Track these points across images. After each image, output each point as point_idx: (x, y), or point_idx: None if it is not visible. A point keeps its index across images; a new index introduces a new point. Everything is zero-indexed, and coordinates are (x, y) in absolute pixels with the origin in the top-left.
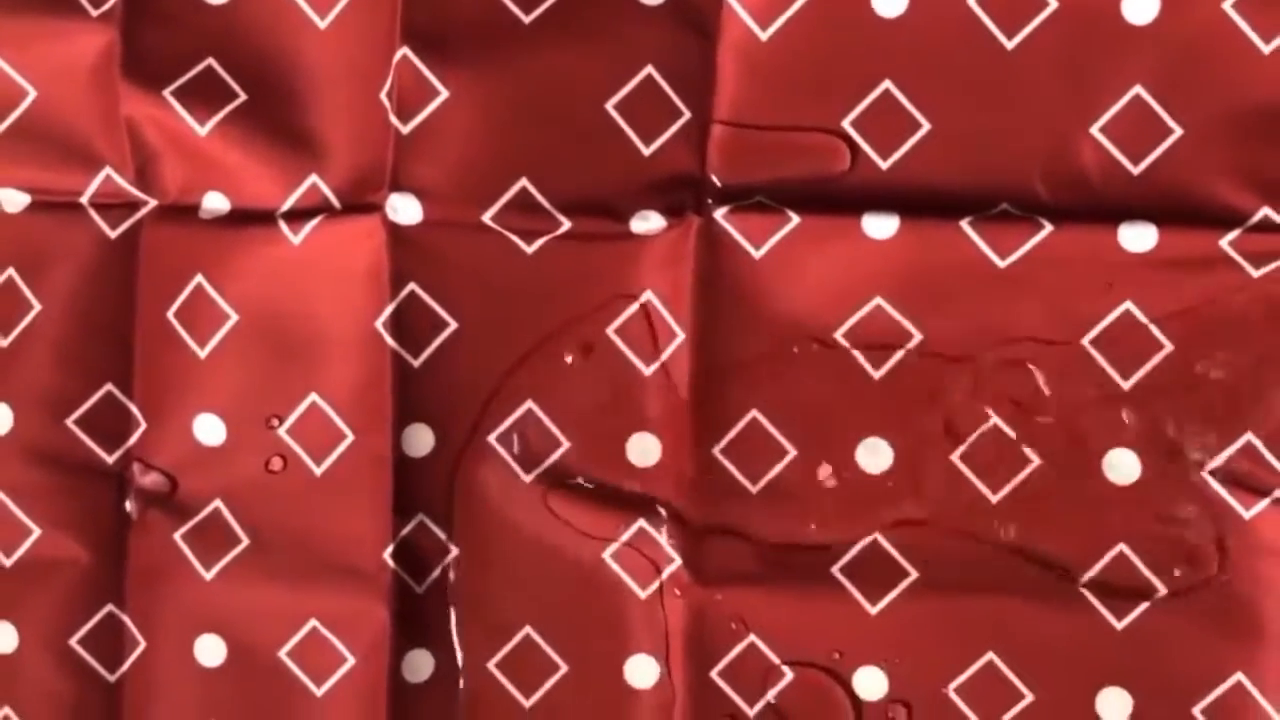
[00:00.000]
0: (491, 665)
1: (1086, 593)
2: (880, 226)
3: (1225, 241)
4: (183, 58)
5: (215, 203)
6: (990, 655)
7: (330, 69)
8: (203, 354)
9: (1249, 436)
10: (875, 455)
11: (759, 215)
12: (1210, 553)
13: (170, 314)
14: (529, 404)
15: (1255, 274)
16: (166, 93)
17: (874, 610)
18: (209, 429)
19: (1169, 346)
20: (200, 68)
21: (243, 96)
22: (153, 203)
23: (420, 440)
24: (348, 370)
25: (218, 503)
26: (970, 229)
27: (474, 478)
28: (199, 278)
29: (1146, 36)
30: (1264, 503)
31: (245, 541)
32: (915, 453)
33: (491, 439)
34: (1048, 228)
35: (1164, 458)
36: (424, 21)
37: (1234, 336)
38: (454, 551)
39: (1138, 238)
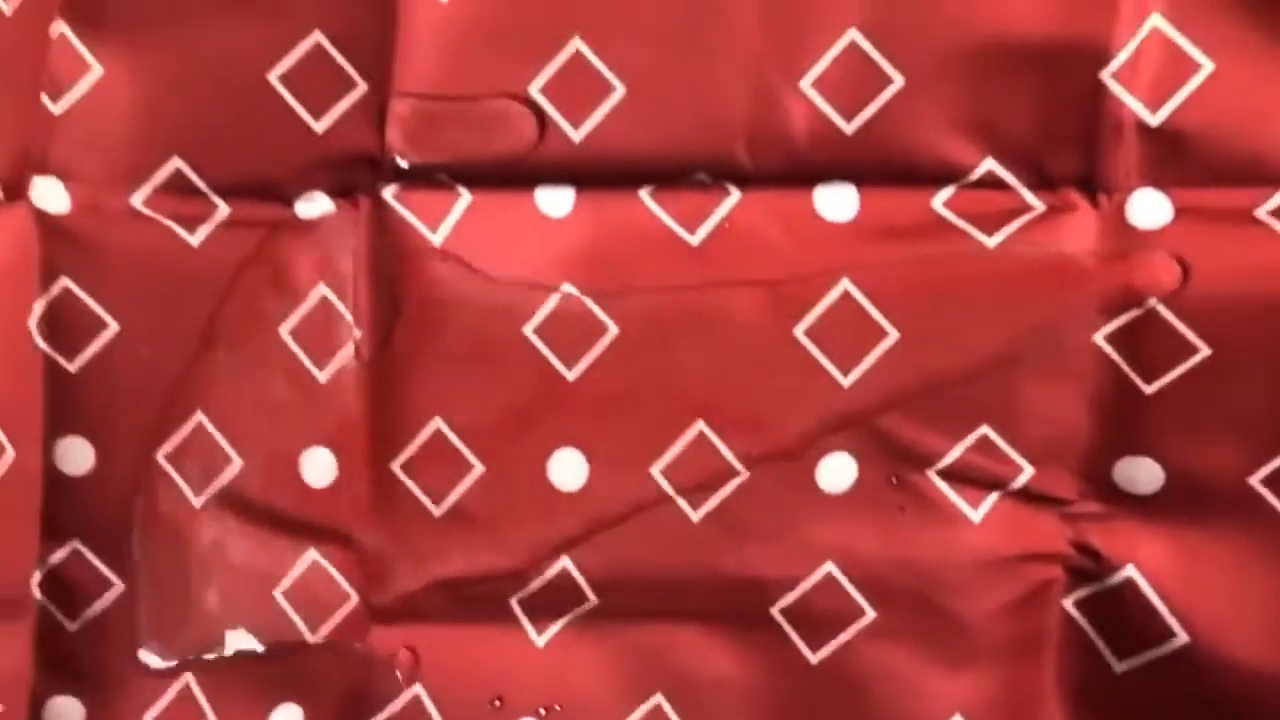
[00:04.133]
0: None
1: (781, 620)
2: (555, 201)
3: (939, 202)
4: None
5: None
6: (658, 698)
7: (7, 56)
8: None
9: (984, 429)
10: (572, 469)
11: (429, 193)
12: (932, 568)
13: None
14: (199, 417)
15: (990, 243)
16: None
17: (541, 642)
18: None
19: (894, 334)
20: None
21: None
22: None
23: (77, 455)
24: (3, 378)
25: None
26: (650, 200)
27: (143, 502)
28: None
29: None
30: (993, 497)
31: None
32: (612, 465)
33: (160, 457)
34: (735, 195)
35: (885, 459)
36: None
37: (972, 318)
38: (116, 586)
39: (837, 203)
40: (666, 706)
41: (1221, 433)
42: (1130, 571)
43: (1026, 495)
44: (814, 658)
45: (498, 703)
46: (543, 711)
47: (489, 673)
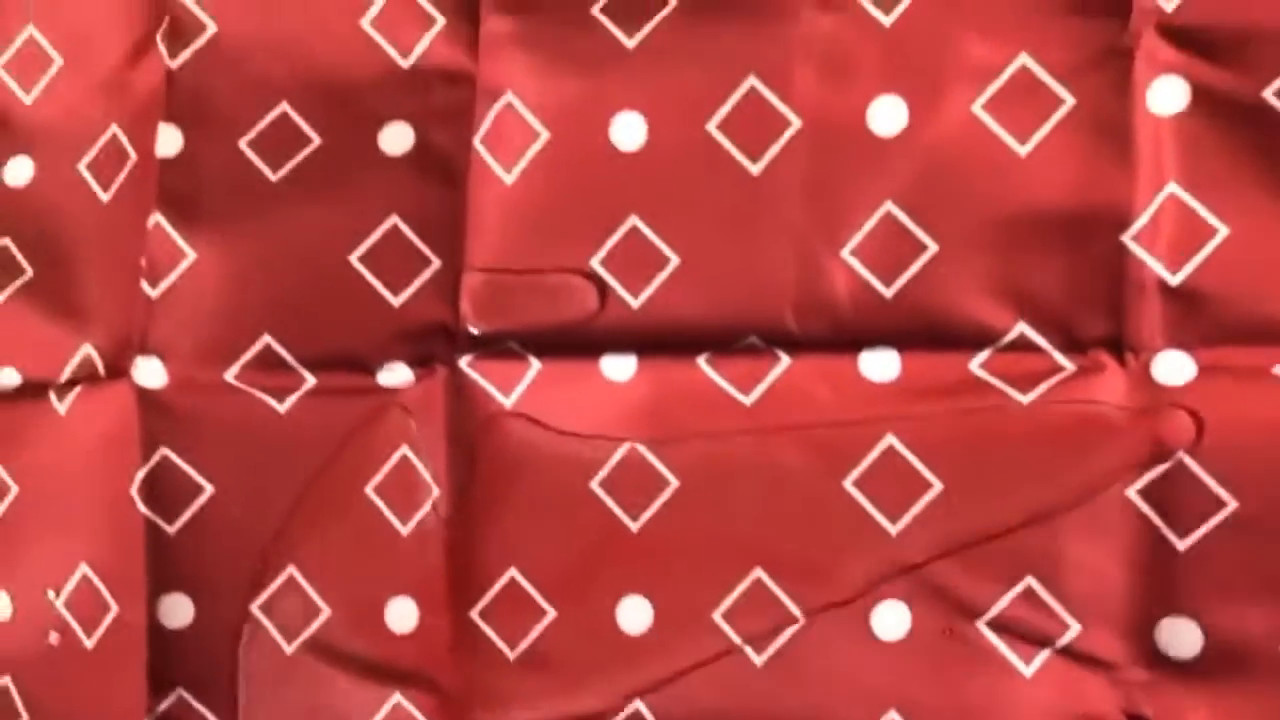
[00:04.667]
0: None
1: None
2: (618, 368)
3: (976, 364)
4: None
5: (7, 378)
6: None
7: (107, 241)
8: None
9: (1029, 580)
10: (636, 614)
11: (502, 362)
12: (987, 718)
13: None
14: (290, 570)
15: (1025, 399)
16: None
17: None
18: None
19: (938, 485)
20: None
21: (29, 272)
22: None
23: (178, 610)
24: (108, 540)
25: (6, 680)
26: (707, 366)
27: (239, 650)
28: None
29: (895, 148)
30: (1044, 654)
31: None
32: (676, 610)
33: (254, 608)
34: (785, 361)
35: (937, 608)
36: (176, 186)
37: (1011, 471)
38: None
39: (880, 366)
40: None
41: (1255, 592)
42: None
43: (1075, 655)
44: None
45: None
46: None
47: None
